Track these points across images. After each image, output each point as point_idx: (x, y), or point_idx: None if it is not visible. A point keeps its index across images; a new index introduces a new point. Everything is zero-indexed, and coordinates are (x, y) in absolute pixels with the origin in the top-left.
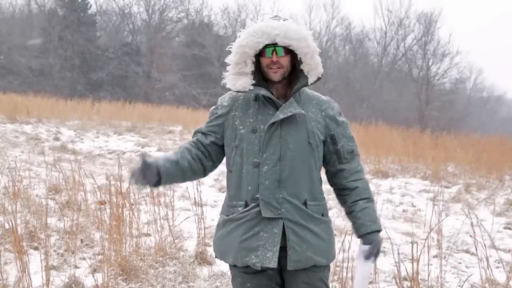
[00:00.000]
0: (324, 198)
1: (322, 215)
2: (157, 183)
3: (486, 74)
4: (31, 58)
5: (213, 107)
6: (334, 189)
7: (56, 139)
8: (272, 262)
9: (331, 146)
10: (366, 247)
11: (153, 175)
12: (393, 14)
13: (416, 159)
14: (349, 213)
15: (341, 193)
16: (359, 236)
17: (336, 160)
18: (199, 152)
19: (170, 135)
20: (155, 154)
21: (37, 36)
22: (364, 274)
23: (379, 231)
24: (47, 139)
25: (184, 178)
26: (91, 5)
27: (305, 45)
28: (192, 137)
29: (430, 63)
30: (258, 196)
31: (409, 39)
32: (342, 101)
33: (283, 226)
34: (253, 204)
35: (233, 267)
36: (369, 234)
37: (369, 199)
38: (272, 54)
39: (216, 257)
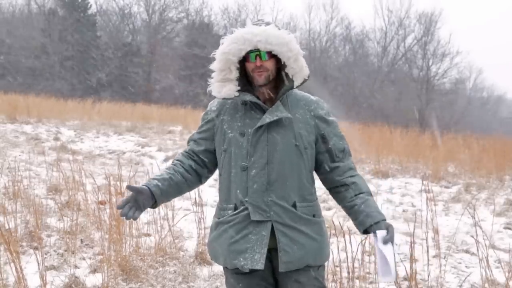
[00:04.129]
0: (316, 199)
1: (314, 215)
2: (154, 205)
3: (486, 74)
4: (31, 58)
5: (204, 112)
6: (330, 189)
7: (56, 139)
8: (260, 264)
9: (322, 145)
10: (384, 232)
11: (147, 199)
12: (393, 14)
13: (416, 159)
14: (351, 208)
15: (339, 190)
16: (368, 227)
17: (328, 159)
18: (193, 162)
19: (170, 135)
20: (155, 154)
21: (37, 36)
22: (389, 257)
23: (385, 220)
24: (47, 139)
25: (181, 192)
26: (91, 5)
27: (287, 49)
28: (187, 145)
29: (430, 63)
30: (247, 199)
31: (409, 39)
32: (342, 101)
33: (272, 228)
34: (242, 207)
35: (225, 268)
36: (379, 223)
37: (369, 193)
38: (256, 58)
39: (211, 259)
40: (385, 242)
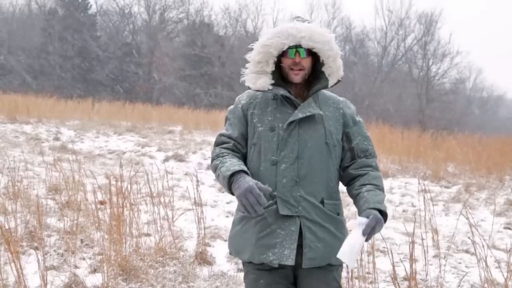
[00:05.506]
0: (340, 197)
1: (338, 214)
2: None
3: (486, 74)
4: (31, 58)
5: (232, 106)
6: (346, 184)
7: (56, 139)
8: (290, 260)
9: (346, 143)
10: (364, 219)
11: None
12: (394, 14)
13: (416, 159)
14: (356, 195)
15: (351, 182)
16: (361, 212)
17: (349, 157)
18: (242, 158)
19: (170, 135)
20: (155, 154)
21: (37, 36)
22: (354, 244)
23: (382, 212)
24: (47, 139)
25: None
26: (91, 5)
27: (328, 48)
28: (218, 140)
29: (430, 63)
30: (275, 193)
31: (409, 39)
32: None
33: (300, 224)
34: (270, 202)
35: (247, 263)
36: (370, 209)
37: (379, 187)
38: (295, 55)
39: (230, 253)
40: (363, 231)
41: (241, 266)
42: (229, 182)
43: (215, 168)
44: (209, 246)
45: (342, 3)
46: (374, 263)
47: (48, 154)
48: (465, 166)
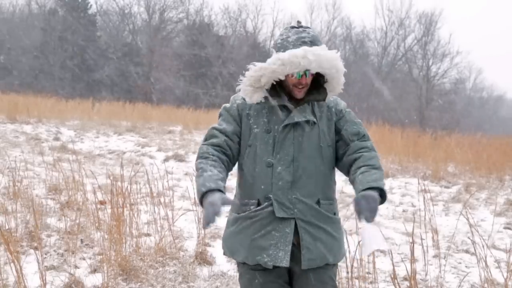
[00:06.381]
0: (335, 197)
1: (334, 214)
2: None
3: (486, 74)
4: (31, 58)
5: (227, 105)
6: (346, 173)
7: (56, 139)
8: (284, 262)
9: (337, 135)
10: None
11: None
12: (394, 14)
13: (416, 159)
14: (352, 182)
15: (349, 169)
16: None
17: (343, 144)
18: (227, 157)
19: (170, 135)
20: (155, 154)
21: (37, 36)
22: (366, 236)
23: (377, 188)
24: (47, 139)
25: None
26: (91, 5)
27: (335, 71)
28: (209, 132)
29: (430, 63)
30: (271, 195)
31: (409, 39)
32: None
33: (296, 225)
34: (266, 203)
35: (242, 264)
36: (364, 190)
37: (373, 166)
38: (301, 77)
39: (224, 254)
40: (360, 218)
41: None
42: (201, 198)
43: (196, 169)
44: (209, 246)
45: (342, 3)
46: (374, 263)
47: (48, 154)
48: (465, 166)
